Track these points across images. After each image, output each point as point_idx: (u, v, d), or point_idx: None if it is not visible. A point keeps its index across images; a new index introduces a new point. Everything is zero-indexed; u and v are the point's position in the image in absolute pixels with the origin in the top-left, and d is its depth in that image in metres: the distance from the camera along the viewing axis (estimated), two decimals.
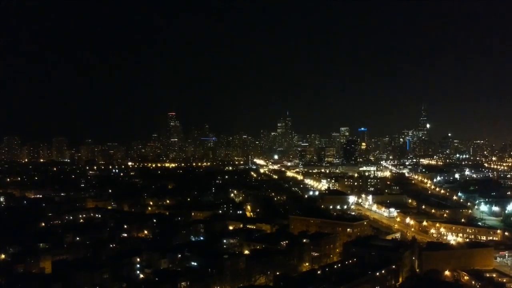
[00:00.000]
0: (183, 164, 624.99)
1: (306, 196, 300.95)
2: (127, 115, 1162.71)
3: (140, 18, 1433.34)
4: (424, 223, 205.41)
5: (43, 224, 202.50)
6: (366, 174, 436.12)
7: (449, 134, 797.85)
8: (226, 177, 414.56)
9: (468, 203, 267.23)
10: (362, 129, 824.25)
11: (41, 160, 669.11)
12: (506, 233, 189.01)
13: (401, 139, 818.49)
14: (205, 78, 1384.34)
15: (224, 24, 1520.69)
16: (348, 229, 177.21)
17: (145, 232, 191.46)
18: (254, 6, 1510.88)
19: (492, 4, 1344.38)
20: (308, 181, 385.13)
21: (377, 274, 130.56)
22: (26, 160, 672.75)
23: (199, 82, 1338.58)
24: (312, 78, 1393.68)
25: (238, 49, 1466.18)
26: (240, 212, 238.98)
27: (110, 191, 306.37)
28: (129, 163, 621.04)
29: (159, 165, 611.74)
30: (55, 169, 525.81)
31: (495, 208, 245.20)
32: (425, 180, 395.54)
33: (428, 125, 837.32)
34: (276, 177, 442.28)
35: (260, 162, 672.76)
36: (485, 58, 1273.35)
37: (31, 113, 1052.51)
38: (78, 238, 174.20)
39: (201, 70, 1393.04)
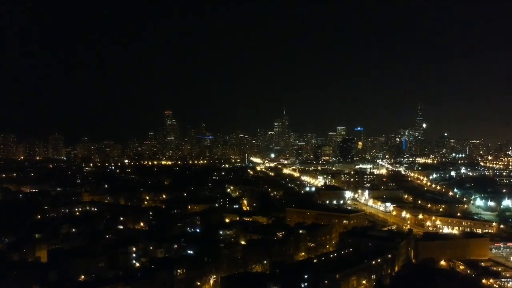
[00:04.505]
0: (179, 162, 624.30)
1: (302, 191, 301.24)
2: (123, 113, 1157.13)
3: (136, 15, 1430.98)
4: (420, 216, 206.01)
5: (39, 216, 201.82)
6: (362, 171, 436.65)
7: (445, 134, 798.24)
8: (223, 173, 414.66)
9: (464, 199, 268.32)
10: (359, 128, 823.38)
11: (37, 158, 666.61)
12: (502, 226, 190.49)
13: (398, 139, 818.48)
14: (202, 76, 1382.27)
15: (221, 22, 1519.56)
16: (344, 221, 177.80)
17: (141, 224, 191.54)
18: (252, 3, 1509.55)
19: (490, 5, 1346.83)
20: (305, 178, 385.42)
21: (373, 262, 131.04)
22: (22, 157, 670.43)
23: (196, 81, 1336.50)
24: (309, 78, 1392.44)
25: (236, 47, 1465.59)
26: (237, 206, 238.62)
27: (106, 186, 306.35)
28: (125, 161, 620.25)
29: (155, 162, 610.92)
30: (51, 166, 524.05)
31: (491, 203, 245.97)
32: (421, 178, 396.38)
33: (424, 125, 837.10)
34: (272, 174, 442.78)
35: (257, 160, 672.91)
36: (482, 58, 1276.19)
37: (27, 111, 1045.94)
38: (74, 230, 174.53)
39: (198, 69, 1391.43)
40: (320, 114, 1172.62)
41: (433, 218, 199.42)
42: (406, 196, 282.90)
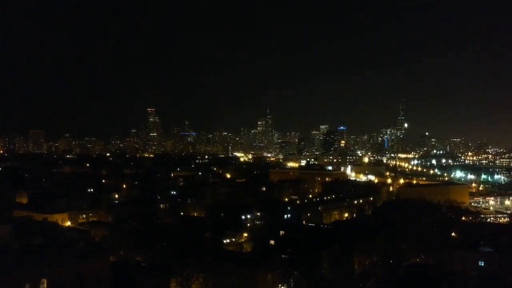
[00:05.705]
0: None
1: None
2: (106, 110, 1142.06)
3: (120, 12, 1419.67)
4: (401, 180, 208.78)
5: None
6: None
7: (427, 133, 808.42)
8: (206, 160, 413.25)
9: (445, 174, 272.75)
10: (341, 127, 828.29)
11: (19, 152, 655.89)
12: (481, 188, 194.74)
13: (380, 138, 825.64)
14: (186, 74, 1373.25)
15: (205, 20, 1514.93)
16: (327, 178, 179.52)
17: (124, 186, 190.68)
18: (236, 2, 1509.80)
19: (470, 4, 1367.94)
20: (289, 164, 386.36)
21: (355, 202, 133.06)
22: (1, 151, 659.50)
23: (180, 79, 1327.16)
24: (293, 77, 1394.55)
25: (220, 46, 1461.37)
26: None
27: (88, 165, 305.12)
28: (107, 154, 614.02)
29: (138, 155, 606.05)
30: None
31: (471, 176, 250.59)
32: (403, 164, 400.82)
33: (406, 124, 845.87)
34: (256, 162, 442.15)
35: (239, 154, 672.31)
36: (463, 59, 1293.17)
37: (8, 106, 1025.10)
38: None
39: (182, 67, 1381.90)
40: (303, 113, 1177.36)
41: (415, 181, 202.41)
42: (387, 173, 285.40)
